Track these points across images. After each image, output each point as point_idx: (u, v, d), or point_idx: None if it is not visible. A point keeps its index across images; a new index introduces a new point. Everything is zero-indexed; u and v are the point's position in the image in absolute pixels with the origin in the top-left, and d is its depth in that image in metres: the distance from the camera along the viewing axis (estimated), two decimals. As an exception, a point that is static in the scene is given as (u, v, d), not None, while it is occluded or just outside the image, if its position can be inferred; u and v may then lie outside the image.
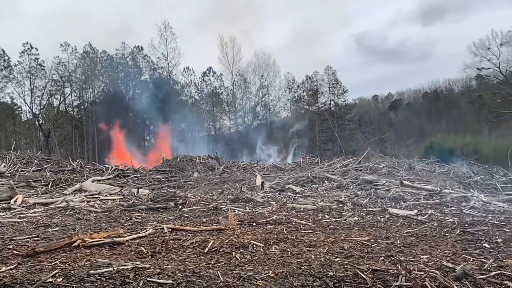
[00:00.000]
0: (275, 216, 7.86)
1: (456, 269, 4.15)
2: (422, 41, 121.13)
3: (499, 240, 5.71)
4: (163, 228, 6.66)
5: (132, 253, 5.04)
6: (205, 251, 5.03)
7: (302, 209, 8.89)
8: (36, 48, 54.32)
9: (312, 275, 4.01)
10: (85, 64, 59.40)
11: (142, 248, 5.21)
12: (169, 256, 4.85)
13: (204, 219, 7.86)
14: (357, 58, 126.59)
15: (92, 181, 15.04)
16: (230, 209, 8.82)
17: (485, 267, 4.36)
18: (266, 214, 8.24)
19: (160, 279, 3.80)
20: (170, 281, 3.74)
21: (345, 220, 7.53)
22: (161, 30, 60.03)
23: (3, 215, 8.40)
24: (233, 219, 7.03)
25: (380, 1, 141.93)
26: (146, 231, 6.40)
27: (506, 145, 23.33)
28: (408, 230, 6.52)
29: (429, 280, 3.81)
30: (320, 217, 7.84)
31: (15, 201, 10.18)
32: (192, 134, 60.22)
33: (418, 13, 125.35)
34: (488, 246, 5.39)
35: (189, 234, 6.25)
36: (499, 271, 4.21)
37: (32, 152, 25.80)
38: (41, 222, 7.55)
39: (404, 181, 12.45)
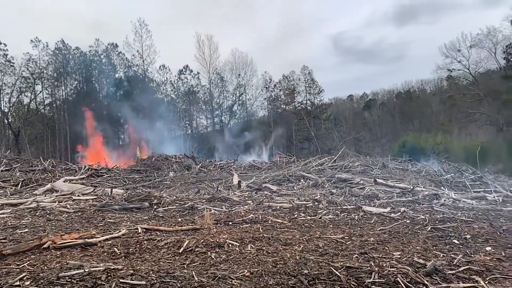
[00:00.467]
0: (251, 215, 7.86)
1: (426, 265, 4.26)
2: (397, 42, 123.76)
3: (468, 236, 5.91)
4: (137, 229, 6.57)
5: (105, 254, 4.93)
6: (180, 251, 4.98)
7: (278, 207, 8.94)
8: (4, 44, 52.43)
9: (287, 273, 4.03)
10: (57, 61, 57.70)
11: (115, 249, 5.11)
12: (143, 257, 4.77)
13: (180, 219, 7.79)
14: (333, 58, 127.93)
15: (64, 181, 14.66)
16: (206, 208, 8.76)
17: (454, 263, 4.50)
18: (243, 213, 8.25)
19: (133, 280, 3.73)
20: (143, 282, 3.68)
21: (320, 218, 7.62)
22: (136, 27, 59.01)
23: (-31, 217, 8.06)
24: (209, 218, 7.00)
25: (356, 2, 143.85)
26: (120, 231, 6.29)
27: (475, 144, 24.24)
28: (381, 228, 6.66)
29: (401, 276, 3.90)
30: (296, 216, 7.90)
31: (-19, 202, 9.79)
32: (168, 133, 59.39)
33: (392, 14, 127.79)
34: (457, 242, 5.57)
35: (164, 234, 6.18)
36: (467, 266, 4.36)
37: (0, 152, 24.89)
38: (9, 224, 7.30)
39: (378, 179, 12.71)
